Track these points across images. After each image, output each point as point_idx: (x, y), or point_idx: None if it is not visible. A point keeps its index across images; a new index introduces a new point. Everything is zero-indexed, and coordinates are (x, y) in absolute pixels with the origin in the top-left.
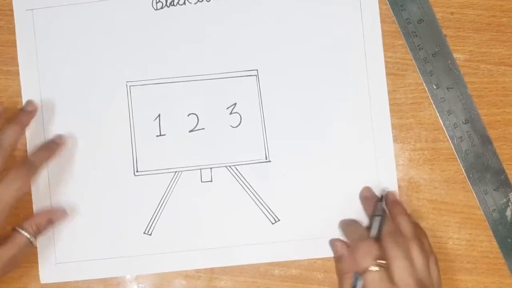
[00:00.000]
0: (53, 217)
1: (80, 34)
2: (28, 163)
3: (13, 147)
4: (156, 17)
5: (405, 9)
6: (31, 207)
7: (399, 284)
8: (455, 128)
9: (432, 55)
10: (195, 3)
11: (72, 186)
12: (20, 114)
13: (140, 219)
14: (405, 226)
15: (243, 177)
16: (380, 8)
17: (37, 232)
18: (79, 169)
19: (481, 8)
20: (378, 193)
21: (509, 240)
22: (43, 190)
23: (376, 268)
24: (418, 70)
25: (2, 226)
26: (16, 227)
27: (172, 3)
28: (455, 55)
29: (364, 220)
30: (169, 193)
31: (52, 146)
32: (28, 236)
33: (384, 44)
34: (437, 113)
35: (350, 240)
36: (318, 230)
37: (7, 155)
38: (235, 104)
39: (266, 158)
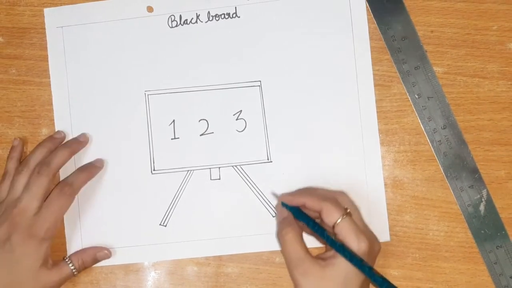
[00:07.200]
0: (98, 257)
1: (104, 49)
2: (69, 184)
3: (59, 168)
4: (171, 35)
5: (390, 28)
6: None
7: (360, 224)
8: (434, 132)
9: (415, 68)
10: (206, 22)
11: (97, 183)
12: (72, 141)
13: (156, 212)
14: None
15: (248, 176)
16: (369, 27)
17: (82, 267)
18: (103, 167)
19: (457, 27)
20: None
21: (482, 231)
22: None
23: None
24: (402, 81)
25: (50, 244)
26: (66, 258)
27: (185, 22)
28: (434, 68)
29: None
30: (182, 189)
31: (92, 169)
32: (73, 269)
33: (373, 59)
34: (418, 119)
35: (318, 202)
36: None
37: (53, 174)
38: (240, 111)
39: (268, 159)
